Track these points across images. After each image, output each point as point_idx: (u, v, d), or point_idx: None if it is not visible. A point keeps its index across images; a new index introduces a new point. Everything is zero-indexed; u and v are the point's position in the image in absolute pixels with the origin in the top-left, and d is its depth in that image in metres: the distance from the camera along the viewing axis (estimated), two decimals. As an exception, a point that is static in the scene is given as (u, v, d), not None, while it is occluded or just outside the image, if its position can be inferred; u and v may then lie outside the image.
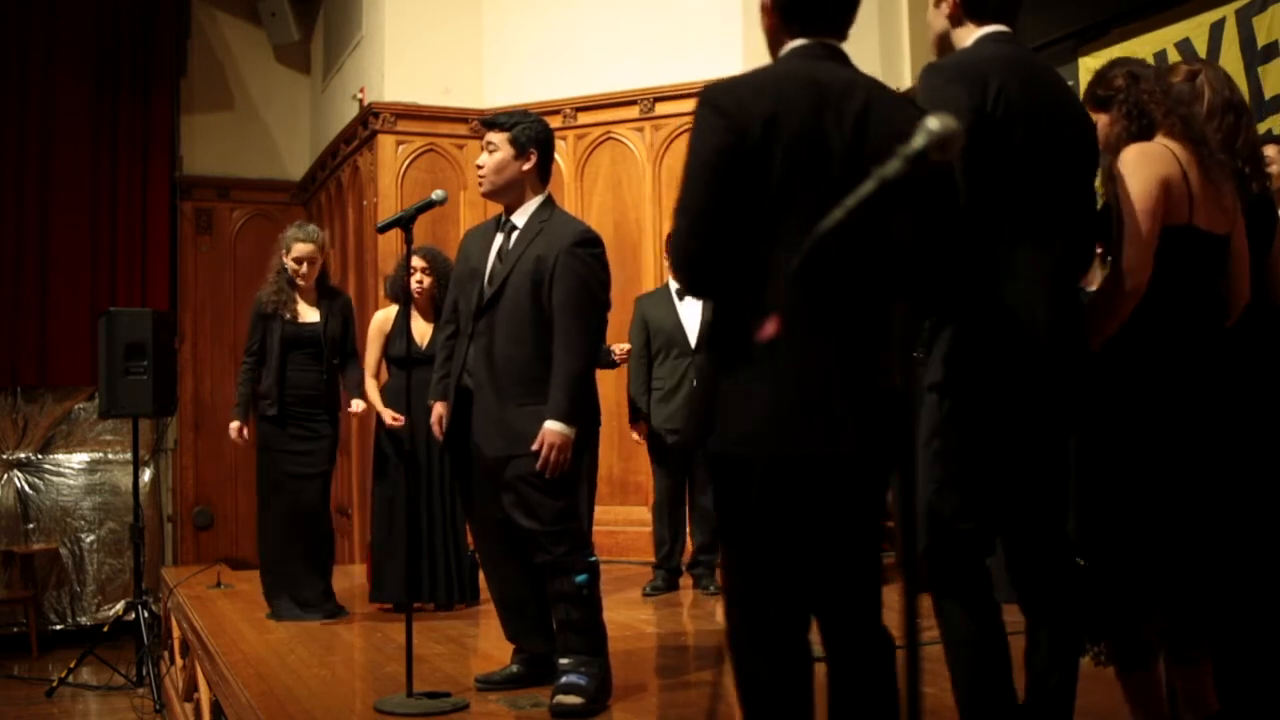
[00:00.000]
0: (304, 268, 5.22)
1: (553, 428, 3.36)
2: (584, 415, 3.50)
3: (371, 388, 5.40)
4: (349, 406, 5.34)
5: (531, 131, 3.58)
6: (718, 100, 2.11)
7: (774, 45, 2.29)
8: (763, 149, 2.07)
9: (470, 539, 4.72)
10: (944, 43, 2.57)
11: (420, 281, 5.28)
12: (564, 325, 3.42)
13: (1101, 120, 2.79)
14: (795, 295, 2.04)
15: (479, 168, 3.62)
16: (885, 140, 2.08)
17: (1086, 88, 2.90)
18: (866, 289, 2.11)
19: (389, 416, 5.25)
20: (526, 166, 3.57)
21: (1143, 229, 2.54)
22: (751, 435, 2.06)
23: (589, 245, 3.51)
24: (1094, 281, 4.15)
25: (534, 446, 3.35)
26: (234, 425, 5.30)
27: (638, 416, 5.78)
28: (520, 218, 3.59)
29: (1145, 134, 2.69)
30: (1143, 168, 2.58)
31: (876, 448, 2.12)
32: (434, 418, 3.70)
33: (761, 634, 2.14)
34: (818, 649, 2.18)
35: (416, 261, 5.25)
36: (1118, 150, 2.68)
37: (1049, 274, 2.40)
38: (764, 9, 2.27)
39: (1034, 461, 2.45)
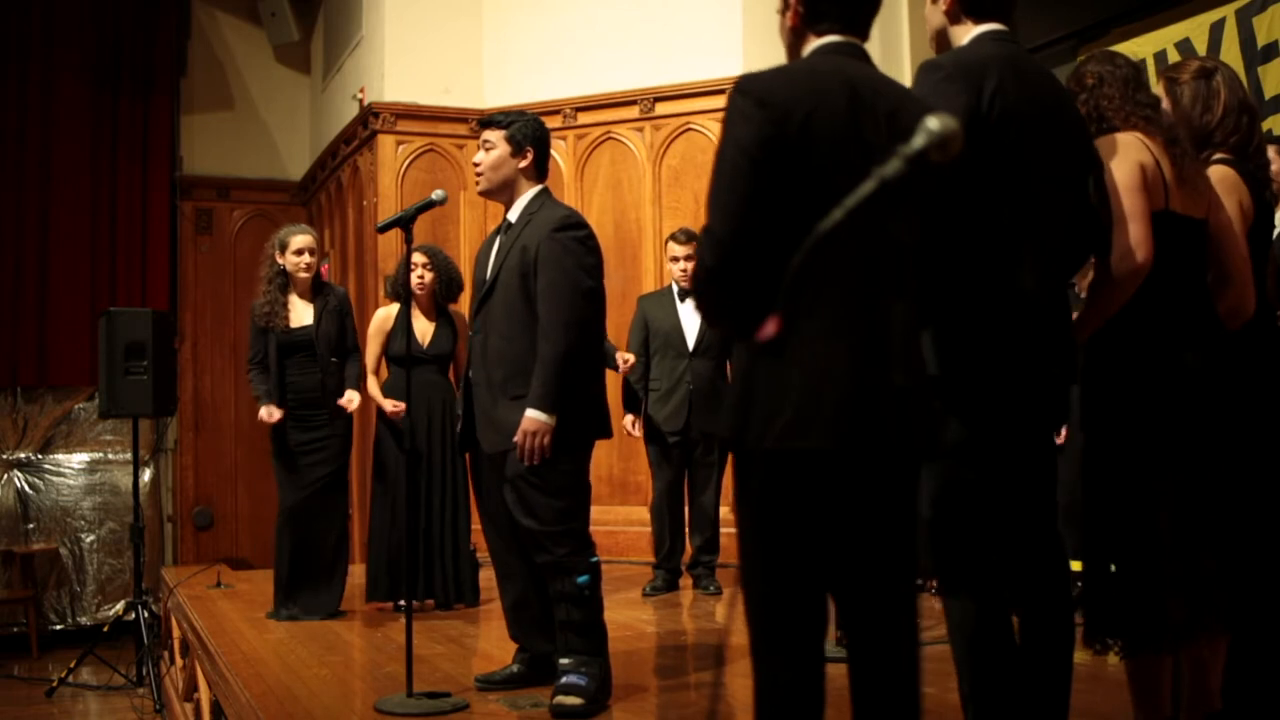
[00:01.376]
0: (305, 258, 5.21)
1: (529, 414, 3.35)
2: (582, 411, 3.47)
3: (372, 384, 5.41)
4: (344, 400, 5.29)
5: (528, 129, 3.60)
6: (757, 90, 2.06)
7: (795, 42, 2.25)
8: (803, 142, 2.02)
9: (475, 538, 4.72)
10: (942, 39, 2.58)
11: (421, 277, 5.29)
12: (543, 312, 3.41)
13: None
14: (826, 288, 2.02)
15: (476, 166, 3.64)
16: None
17: (1071, 74, 2.92)
18: (894, 282, 2.10)
19: (389, 405, 5.24)
20: (523, 164, 3.59)
21: (1137, 206, 2.58)
22: (788, 428, 2.01)
23: (569, 229, 3.47)
24: (1084, 287, 4.16)
25: (516, 438, 3.36)
26: (263, 411, 5.19)
27: (633, 408, 5.75)
28: (514, 213, 3.61)
29: (1106, 134, 2.73)
30: (1120, 154, 2.64)
31: (910, 440, 2.11)
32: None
33: (784, 637, 2.09)
34: (830, 649, 2.17)
35: (417, 258, 5.26)
36: None
37: (1039, 272, 2.39)
38: (787, 5, 2.23)
39: (1024, 457, 2.45)
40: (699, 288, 2.11)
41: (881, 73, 2.21)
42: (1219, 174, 2.87)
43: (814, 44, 2.20)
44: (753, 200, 2.02)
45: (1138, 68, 2.86)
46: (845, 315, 2.04)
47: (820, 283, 2.02)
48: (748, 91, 2.06)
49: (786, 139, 2.01)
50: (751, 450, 2.06)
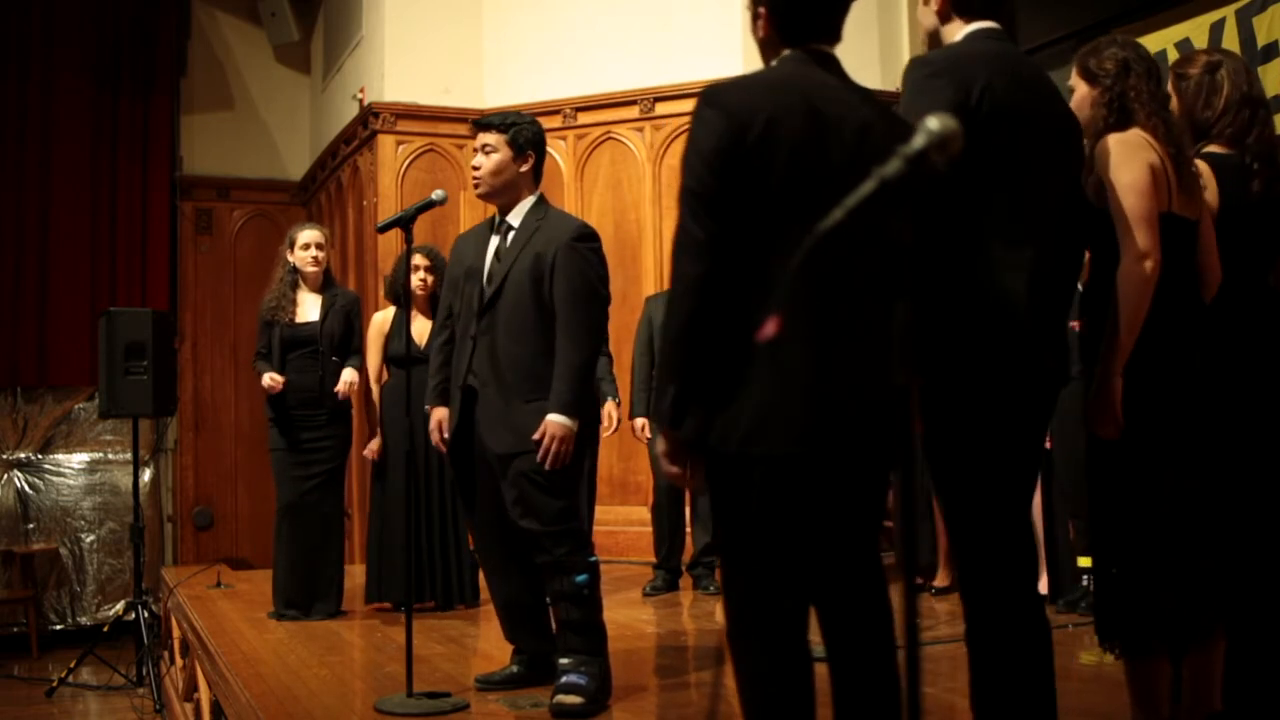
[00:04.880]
0: (311, 252, 5.28)
1: (555, 419, 3.37)
2: (587, 412, 3.50)
3: (373, 390, 5.42)
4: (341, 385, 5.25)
5: (529, 133, 3.61)
6: (720, 99, 2.11)
7: (768, 51, 2.29)
8: (764, 151, 2.06)
9: (471, 540, 4.71)
10: (935, 39, 2.58)
11: (424, 280, 5.31)
12: (566, 318, 3.43)
13: (1081, 90, 2.78)
14: (795, 294, 2.04)
15: (474, 169, 3.63)
16: (886, 151, 2.08)
17: (1078, 54, 2.86)
18: (866, 288, 2.11)
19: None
20: (524, 168, 3.60)
21: (1149, 210, 2.57)
22: (750, 433, 2.05)
23: (588, 240, 3.54)
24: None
25: (535, 437, 3.36)
26: (266, 378, 5.18)
27: (643, 411, 5.75)
28: (516, 218, 3.60)
29: (1121, 126, 2.70)
30: (1131, 155, 2.62)
31: (876, 445, 2.12)
32: (433, 423, 3.70)
33: (762, 633, 2.13)
34: (817, 649, 2.18)
35: (419, 260, 5.29)
36: (1091, 134, 2.69)
37: (1030, 271, 2.38)
38: (757, 16, 2.26)
39: (1015, 452, 2.44)
40: (683, 296, 2.08)
41: (851, 84, 2.23)
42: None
43: (785, 53, 2.24)
44: (716, 204, 2.05)
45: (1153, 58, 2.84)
46: (814, 319, 2.06)
47: (790, 286, 2.05)
48: (710, 100, 2.12)
49: (747, 147, 2.05)
50: (714, 454, 2.10)
